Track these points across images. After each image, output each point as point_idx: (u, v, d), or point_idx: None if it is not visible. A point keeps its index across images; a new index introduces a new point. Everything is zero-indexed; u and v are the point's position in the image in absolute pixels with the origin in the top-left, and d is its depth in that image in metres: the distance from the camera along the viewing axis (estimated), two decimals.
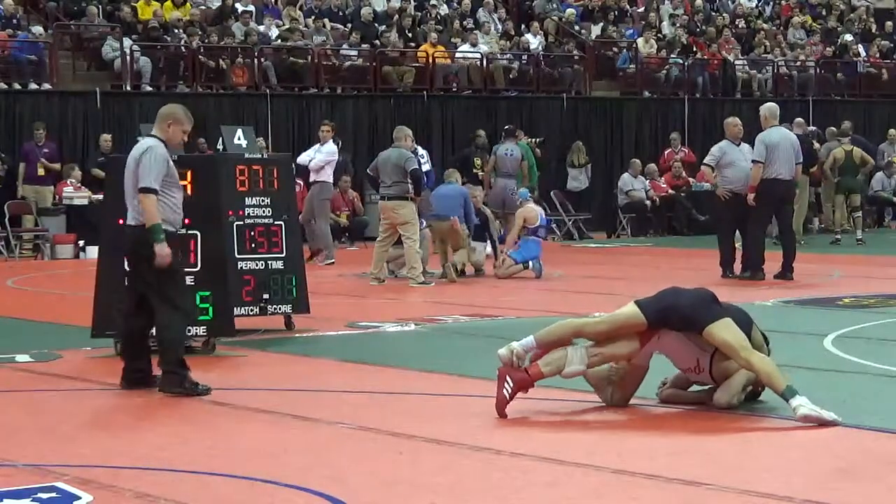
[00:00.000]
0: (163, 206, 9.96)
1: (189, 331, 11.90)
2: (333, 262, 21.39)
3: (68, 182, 24.33)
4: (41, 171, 24.28)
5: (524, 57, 31.34)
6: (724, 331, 8.84)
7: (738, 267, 18.53)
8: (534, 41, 31.69)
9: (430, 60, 29.45)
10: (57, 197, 24.32)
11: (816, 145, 26.49)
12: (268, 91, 27.47)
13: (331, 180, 22.34)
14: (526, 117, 29.13)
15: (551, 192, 28.09)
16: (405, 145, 18.35)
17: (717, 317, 8.88)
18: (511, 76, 30.61)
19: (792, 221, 19.07)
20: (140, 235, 9.98)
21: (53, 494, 6.82)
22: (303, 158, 21.68)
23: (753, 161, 17.83)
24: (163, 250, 9.82)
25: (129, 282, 10.40)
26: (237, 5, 29.47)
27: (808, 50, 35.43)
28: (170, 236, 9.94)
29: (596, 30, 33.70)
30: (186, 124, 10.25)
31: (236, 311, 12.44)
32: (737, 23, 36.24)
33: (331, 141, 22.39)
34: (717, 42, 34.34)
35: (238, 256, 12.69)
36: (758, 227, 18.36)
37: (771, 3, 38.47)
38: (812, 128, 29.02)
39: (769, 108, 18.54)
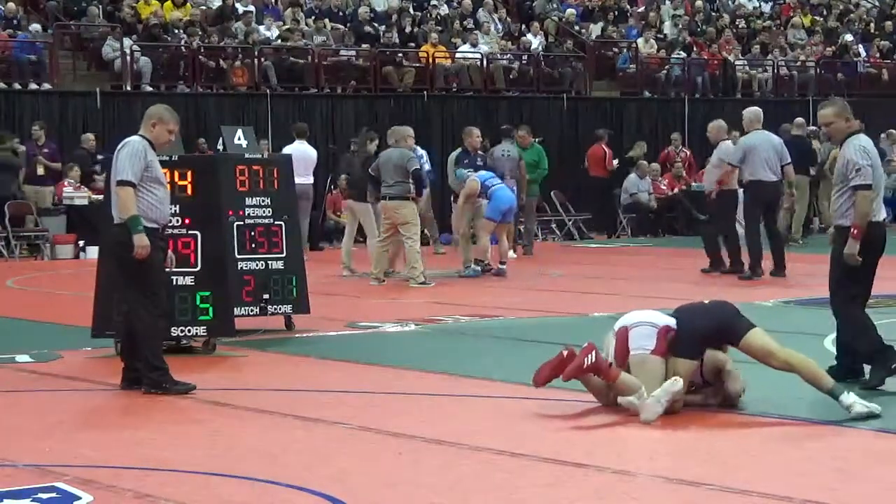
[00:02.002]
0: (143, 202, 9.92)
1: (188, 331, 11.93)
2: None
3: (66, 183, 24.30)
4: (41, 171, 24.27)
5: (524, 57, 31.34)
6: (760, 339, 8.96)
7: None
8: (534, 41, 31.69)
9: (431, 60, 29.46)
10: (56, 197, 24.30)
11: (817, 145, 26.49)
12: (268, 91, 27.47)
13: (302, 181, 22.08)
14: (526, 117, 29.07)
15: (551, 192, 28.08)
16: (406, 145, 18.37)
17: (749, 326, 9.00)
18: (511, 76, 30.61)
19: (776, 222, 19.41)
20: (118, 234, 9.98)
21: (53, 494, 6.82)
22: None
23: (729, 164, 18.46)
24: (141, 241, 9.77)
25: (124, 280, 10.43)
26: (237, 5, 29.49)
27: (808, 50, 35.44)
28: (151, 233, 9.91)
29: (596, 30, 33.70)
30: (171, 124, 10.24)
31: (236, 311, 12.44)
32: (737, 23, 36.25)
33: (302, 142, 22.60)
34: (718, 42, 34.35)
35: (238, 256, 12.70)
36: (751, 228, 18.63)
37: (771, 3, 38.48)
38: (812, 127, 29.00)
39: (753, 112, 18.91)
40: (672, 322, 8.98)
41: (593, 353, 8.82)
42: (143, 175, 9.95)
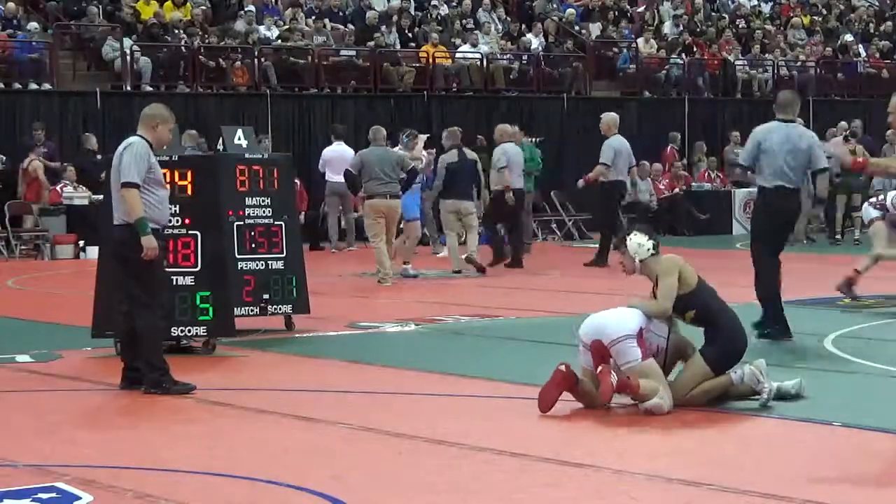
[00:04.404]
0: (144, 203, 9.92)
1: (188, 331, 11.93)
2: None
3: (58, 187, 24.24)
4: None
5: (524, 57, 31.33)
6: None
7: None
8: (534, 41, 31.69)
9: (431, 60, 29.46)
10: (49, 201, 24.20)
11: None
12: (268, 91, 27.47)
13: (340, 179, 23.30)
14: (526, 117, 29.11)
15: (551, 193, 28.08)
16: (384, 145, 18.60)
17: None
18: (511, 76, 30.60)
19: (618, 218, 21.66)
20: (121, 235, 9.98)
21: (53, 494, 6.82)
22: None
23: (602, 163, 20.46)
24: (150, 242, 9.78)
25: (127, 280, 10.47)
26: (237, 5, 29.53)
27: (808, 50, 35.43)
28: (154, 234, 9.89)
29: (596, 30, 33.69)
30: (171, 122, 10.29)
31: (236, 311, 12.44)
32: (737, 23, 36.25)
33: (340, 143, 24.00)
34: (718, 42, 34.35)
35: (238, 256, 12.69)
36: (613, 222, 20.87)
37: (771, 3, 38.47)
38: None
39: (612, 118, 21.12)
40: (639, 318, 8.99)
41: (612, 373, 8.80)
42: (146, 177, 9.97)
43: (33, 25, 26.85)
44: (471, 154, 20.65)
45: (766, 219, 12.43)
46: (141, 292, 9.96)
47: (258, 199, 12.97)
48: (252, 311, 12.82)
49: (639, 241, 9.29)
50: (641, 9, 35.51)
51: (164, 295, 10.37)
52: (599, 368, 8.85)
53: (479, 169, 20.67)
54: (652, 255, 9.29)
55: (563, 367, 8.97)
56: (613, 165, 20.44)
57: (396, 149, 19.64)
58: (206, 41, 27.80)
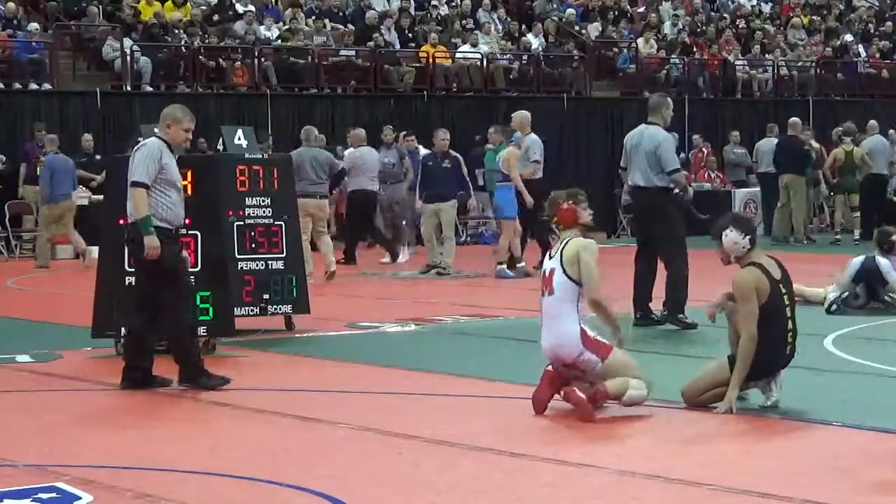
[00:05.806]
0: (157, 203, 9.94)
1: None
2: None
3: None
4: (40, 171, 24.26)
5: (524, 57, 31.33)
6: None
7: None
8: (534, 41, 31.69)
9: (431, 60, 29.46)
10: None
11: (815, 145, 26.51)
12: (268, 91, 27.47)
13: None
14: None
15: (551, 192, 28.04)
16: (317, 144, 18.77)
17: None
18: (511, 76, 30.61)
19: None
20: (132, 232, 10.00)
21: (54, 494, 6.83)
22: None
23: (535, 161, 19.61)
24: (151, 242, 9.80)
25: (136, 280, 10.50)
26: (238, 6, 29.50)
27: (808, 50, 35.43)
28: (165, 234, 9.92)
29: (596, 30, 33.69)
30: (186, 122, 10.23)
31: (236, 311, 12.44)
32: (737, 23, 36.26)
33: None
34: (718, 42, 34.35)
35: (238, 257, 12.69)
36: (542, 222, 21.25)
37: (771, 3, 38.48)
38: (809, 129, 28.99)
39: (526, 115, 20.33)
40: (574, 320, 9.05)
41: (577, 391, 8.78)
42: (158, 177, 9.97)
43: (33, 25, 26.85)
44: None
45: (632, 215, 13.02)
46: (172, 297, 10.02)
47: (258, 199, 12.97)
48: (252, 311, 12.82)
49: (734, 239, 9.21)
50: (642, 9, 35.51)
51: (188, 300, 10.35)
52: (563, 392, 8.87)
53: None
54: (748, 250, 9.22)
55: (550, 368, 9.02)
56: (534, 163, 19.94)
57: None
58: (206, 41, 27.80)
